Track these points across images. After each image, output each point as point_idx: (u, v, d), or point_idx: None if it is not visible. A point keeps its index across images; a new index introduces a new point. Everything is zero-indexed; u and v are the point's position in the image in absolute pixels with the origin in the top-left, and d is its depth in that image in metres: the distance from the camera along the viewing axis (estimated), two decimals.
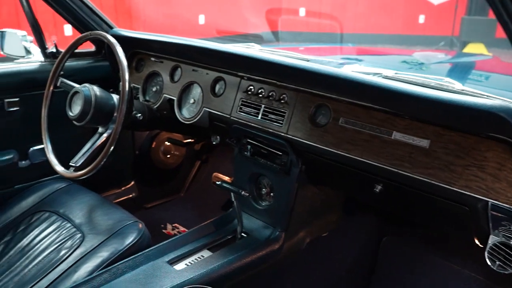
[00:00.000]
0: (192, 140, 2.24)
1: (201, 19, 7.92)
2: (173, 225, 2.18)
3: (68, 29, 5.34)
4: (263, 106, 1.48)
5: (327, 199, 1.62)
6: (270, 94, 1.46)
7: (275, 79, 1.45)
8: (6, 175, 1.79)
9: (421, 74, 1.37)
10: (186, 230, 2.14)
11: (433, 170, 1.11)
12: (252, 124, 1.50)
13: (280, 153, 1.47)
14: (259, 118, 1.48)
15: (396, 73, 1.39)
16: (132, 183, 2.27)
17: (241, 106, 1.54)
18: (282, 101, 1.43)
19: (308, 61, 1.48)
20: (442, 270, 1.65)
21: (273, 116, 1.45)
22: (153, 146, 2.27)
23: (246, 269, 1.39)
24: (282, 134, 1.41)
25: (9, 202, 1.73)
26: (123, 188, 2.24)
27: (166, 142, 2.28)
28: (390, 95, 1.17)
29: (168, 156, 2.33)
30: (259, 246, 1.46)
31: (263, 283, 1.52)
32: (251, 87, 1.52)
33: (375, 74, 1.37)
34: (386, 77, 1.32)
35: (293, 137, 1.39)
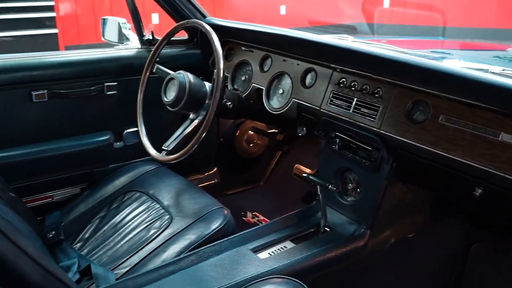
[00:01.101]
0: (276, 131, 2.24)
1: (282, 10, 7.96)
2: (253, 213, 2.20)
3: (155, 18, 5.57)
4: (355, 99, 1.44)
5: (416, 199, 1.55)
6: (363, 87, 1.42)
7: (370, 72, 1.40)
8: (103, 154, 1.90)
9: None
10: (266, 219, 2.16)
11: None
12: (343, 118, 1.47)
13: (371, 149, 1.42)
14: (350, 111, 1.45)
15: (503, 70, 1.29)
16: (215, 169, 2.32)
17: (332, 99, 1.51)
18: (377, 95, 1.38)
19: (405, 53, 1.41)
20: None
21: (365, 110, 1.40)
22: (237, 134, 2.30)
23: (330, 264, 1.37)
24: (375, 129, 1.37)
25: (104, 180, 1.85)
26: (206, 174, 2.30)
27: (250, 131, 2.30)
28: (500, 93, 1.09)
29: (251, 145, 2.35)
30: (343, 242, 1.43)
31: (345, 280, 1.49)
32: (344, 80, 1.49)
33: (479, 69, 1.28)
34: (493, 73, 1.23)
35: (387, 133, 1.34)
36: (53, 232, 1.60)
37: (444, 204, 1.65)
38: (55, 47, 5.85)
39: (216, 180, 2.31)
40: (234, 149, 2.32)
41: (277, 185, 2.44)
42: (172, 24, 1.82)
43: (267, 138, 2.37)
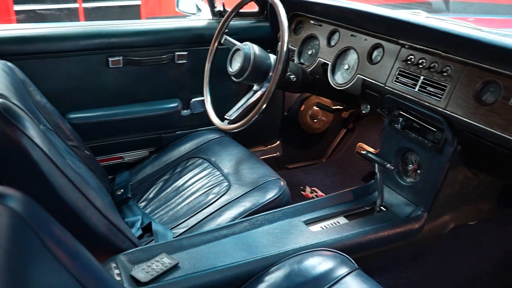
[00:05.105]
0: (341, 107, 2.22)
1: None
2: (312, 188, 2.21)
3: None
4: (422, 77, 1.39)
5: (481, 186, 1.48)
6: (432, 65, 1.36)
7: (440, 49, 1.34)
8: (171, 121, 2.00)
9: None
10: (324, 195, 2.16)
11: None
12: (407, 96, 1.42)
13: (435, 129, 1.37)
14: (416, 90, 1.40)
15: None
16: (278, 142, 2.35)
17: (398, 76, 1.47)
18: (445, 74, 1.32)
19: (481, 31, 1.33)
20: None
21: (431, 89, 1.35)
22: (301, 109, 2.30)
23: (382, 243, 1.36)
24: (440, 109, 1.32)
25: (171, 145, 1.94)
26: (268, 146, 2.33)
27: (315, 107, 2.29)
28: None
29: (315, 120, 2.35)
30: (398, 223, 1.41)
31: (397, 261, 1.47)
32: (412, 57, 1.43)
33: None
34: None
35: (452, 114, 1.28)
36: (122, 190, 1.72)
37: None
38: (137, 18, 6.12)
39: (278, 153, 2.34)
40: (298, 123, 2.33)
41: (339, 163, 2.42)
42: None
43: (332, 115, 2.35)
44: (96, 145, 1.86)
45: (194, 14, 2.07)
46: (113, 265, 1.13)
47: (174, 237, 1.39)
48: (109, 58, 1.79)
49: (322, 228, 1.38)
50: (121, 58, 1.81)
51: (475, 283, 1.56)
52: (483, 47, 1.20)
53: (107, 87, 1.85)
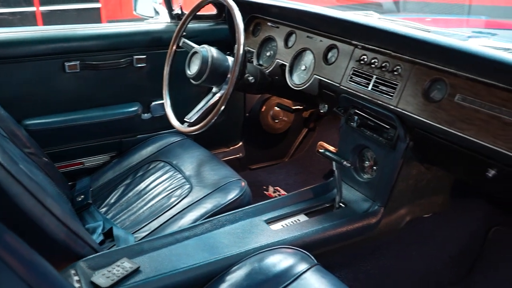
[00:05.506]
0: (301, 107, 2.26)
1: None
2: (275, 188, 2.24)
3: None
4: (374, 76, 1.44)
5: (434, 180, 1.55)
6: (383, 64, 1.41)
7: (390, 49, 1.39)
8: (131, 125, 1.98)
9: None
10: (287, 194, 2.19)
11: None
12: (361, 95, 1.47)
13: (388, 127, 1.42)
14: (369, 89, 1.45)
15: None
16: (240, 143, 2.37)
17: (352, 76, 1.51)
18: (396, 73, 1.37)
19: (428, 32, 1.39)
20: None
21: (384, 88, 1.40)
22: (262, 109, 2.33)
23: (341, 239, 1.40)
24: (392, 107, 1.37)
25: (132, 150, 1.93)
26: (231, 148, 2.35)
27: (276, 107, 2.33)
28: None
29: (277, 121, 2.38)
30: (356, 218, 1.45)
31: (356, 256, 1.51)
32: (364, 57, 1.48)
33: (504, 49, 1.25)
34: None
35: (403, 111, 1.33)
36: (82, 196, 1.69)
37: (465, 186, 1.63)
38: (98, 21, 6.02)
39: (241, 154, 2.36)
40: (259, 124, 2.35)
41: (301, 162, 2.46)
42: None
43: (293, 115, 2.39)
44: (55, 151, 1.83)
45: (152, 17, 2.07)
46: (73, 272, 1.11)
47: (136, 241, 1.38)
48: (65, 63, 1.77)
49: (283, 227, 1.41)
50: (78, 62, 1.79)
51: (431, 274, 1.62)
52: (429, 47, 1.26)
53: (64, 93, 1.82)
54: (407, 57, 1.34)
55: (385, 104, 1.39)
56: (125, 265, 1.15)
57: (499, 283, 1.61)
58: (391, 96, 1.37)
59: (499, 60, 1.10)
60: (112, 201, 1.66)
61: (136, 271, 1.14)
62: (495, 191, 1.33)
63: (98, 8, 6.15)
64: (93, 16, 6.05)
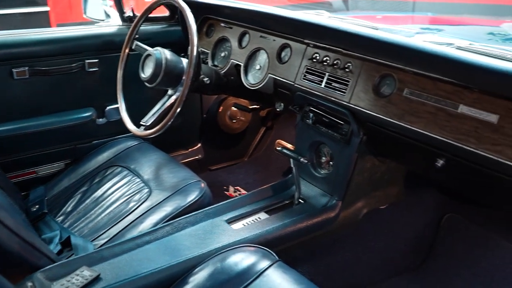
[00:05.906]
0: (258, 107, 2.28)
1: None
2: (235, 187, 2.25)
3: None
4: (327, 74, 1.47)
5: (388, 172, 1.60)
6: (335, 62, 1.45)
7: (341, 47, 1.43)
8: (86, 130, 1.94)
9: (502, 46, 1.29)
10: (247, 193, 2.21)
11: (500, 147, 1.06)
12: (315, 92, 1.50)
13: (342, 123, 1.46)
14: (322, 86, 1.48)
15: (470, 44, 1.31)
16: (199, 145, 2.36)
17: (305, 74, 1.54)
18: (347, 70, 1.41)
19: (377, 29, 1.44)
20: (506, 253, 1.58)
21: (336, 85, 1.44)
22: (220, 110, 2.33)
23: (301, 234, 1.43)
24: (345, 103, 1.40)
25: (87, 156, 1.89)
26: (190, 150, 2.34)
27: (233, 107, 2.34)
28: (460, 67, 1.12)
29: (234, 121, 2.39)
30: (315, 213, 1.48)
31: (316, 250, 1.54)
32: (317, 55, 1.51)
33: (447, 44, 1.31)
34: (459, 48, 1.26)
35: (355, 107, 1.37)
36: (37, 206, 1.64)
37: (417, 177, 1.69)
38: (47, 25, 5.82)
39: (200, 156, 2.36)
40: (217, 125, 2.36)
41: (260, 160, 2.48)
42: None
43: (250, 114, 2.41)
44: (6, 161, 1.76)
45: (103, 20, 2.03)
46: (30, 284, 1.08)
47: (95, 249, 1.36)
48: (13, 70, 1.71)
49: (244, 225, 1.42)
50: (26, 68, 1.74)
51: (389, 263, 1.68)
52: (377, 44, 1.30)
53: (14, 100, 1.76)
54: (357, 54, 1.38)
55: (338, 101, 1.42)
56: (84, 274, 1.13)
57: (454, 266, 1.68)
58: (344, 92, 1.41)
59: (441, 54, 1.16)
60: (69, 209, 1.62)
61: (97, 279, 1.12)
62: (445, 180, 1.39)
63: (47, 12, 5.95)
64: (41, 20, 5.84)
